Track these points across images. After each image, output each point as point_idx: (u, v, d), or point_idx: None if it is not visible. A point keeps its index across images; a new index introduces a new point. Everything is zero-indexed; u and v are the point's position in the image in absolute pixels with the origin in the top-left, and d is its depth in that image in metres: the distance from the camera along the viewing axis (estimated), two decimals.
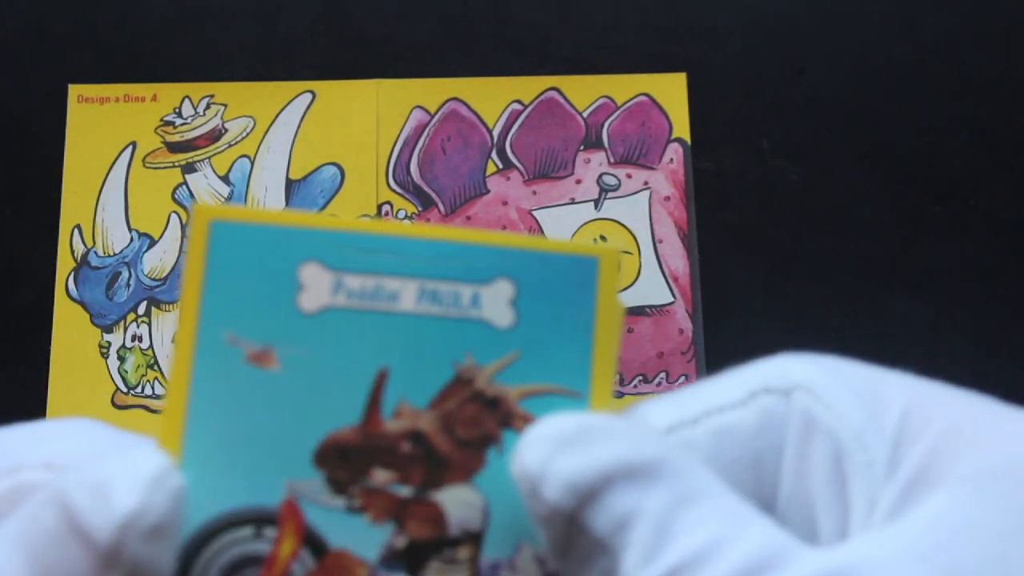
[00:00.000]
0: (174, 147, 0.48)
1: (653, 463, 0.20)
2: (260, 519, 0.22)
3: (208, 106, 0.48)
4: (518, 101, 0.48)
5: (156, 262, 0.47)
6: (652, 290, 0.47)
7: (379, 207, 0.47)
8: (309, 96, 0.49)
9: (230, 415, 0.22)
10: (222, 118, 0.48)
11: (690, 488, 0.20)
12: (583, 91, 0.49)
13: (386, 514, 0.22)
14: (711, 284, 0.47)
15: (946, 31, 0.49)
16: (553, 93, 0.48)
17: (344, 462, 0.22)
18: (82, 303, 0.46)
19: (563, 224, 0.47)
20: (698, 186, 0.48)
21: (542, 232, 0.47)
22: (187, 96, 0.49)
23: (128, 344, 0.46)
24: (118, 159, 0.48)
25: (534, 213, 0.47)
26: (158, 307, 0.47)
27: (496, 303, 0.23)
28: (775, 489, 0.22)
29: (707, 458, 0.21)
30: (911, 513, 0.19)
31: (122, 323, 0.46)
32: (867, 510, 0.20)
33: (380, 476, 0.22)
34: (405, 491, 0.22)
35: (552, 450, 0.20)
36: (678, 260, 0.47)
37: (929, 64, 0.49)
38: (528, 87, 0.49)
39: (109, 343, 0.46)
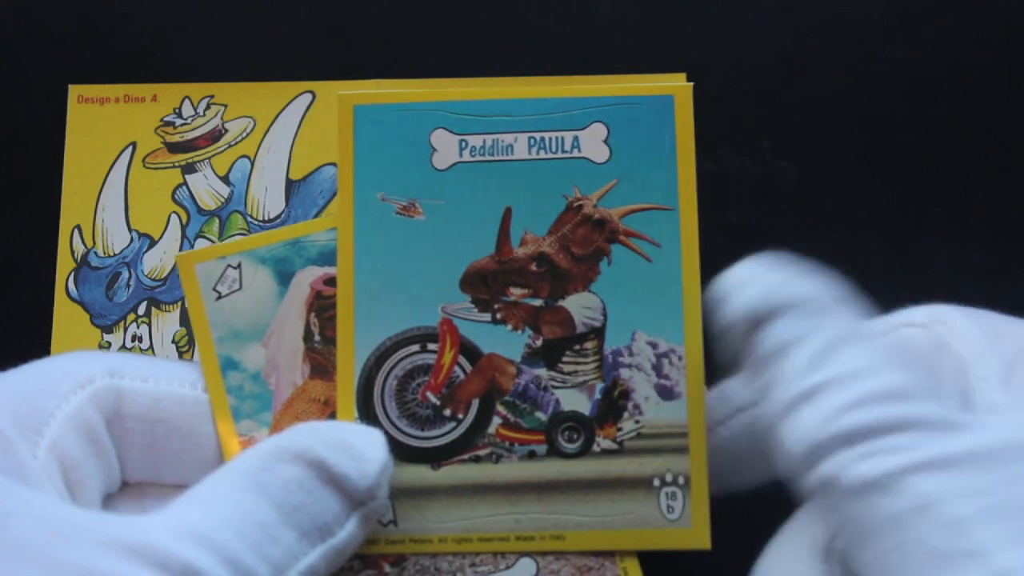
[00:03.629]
0: (174, 147, 0.48)
1: (829, 304, 0.25)
2: (424, 337, 0.27)
3: (208, 106, 0.48)
4: None
5: (156, 262, 0.47)
6: None
7: None
8: (309, 96, 0.49)
9: (390, 258, 0.27)
10: (222, 118, 0.48)
11: (851, 333, 0.24)
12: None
13: (524, 322, 0.28)
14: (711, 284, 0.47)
15: (946, 31, 0.49)
16: None
17: (485, 285, 0.28)
18: (82, 303, 0.46)
19: None
20: (698, 186, 0.48)
21: None
22: (187, 96, 0.49)
23: (128, 344, 0.46)
24: (118, 159, 0.48)
25: None
26: (158, 307, 0.47)
27: (593, 143, 0.28)
28: None
29: None
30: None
31: (122, 323, 0.46)
32: (985, 410, 0.24)
33: (516, 292, 0.28)
34: (537, 302, 0.28)
35: (753, 272, 0.25)
36: None
37: (929, 64, 0.49)
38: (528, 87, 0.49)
39: (109, 343, 0.46)
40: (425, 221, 0.28)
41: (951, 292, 0.47)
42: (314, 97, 0.49)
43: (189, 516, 0.21)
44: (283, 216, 0.47)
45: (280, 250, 0.28)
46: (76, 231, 0.47)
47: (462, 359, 0.27)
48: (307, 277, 0.28)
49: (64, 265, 0.47)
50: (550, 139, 0.28)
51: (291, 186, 0.48)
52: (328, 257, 0.28)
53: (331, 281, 0.28)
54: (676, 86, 0.29)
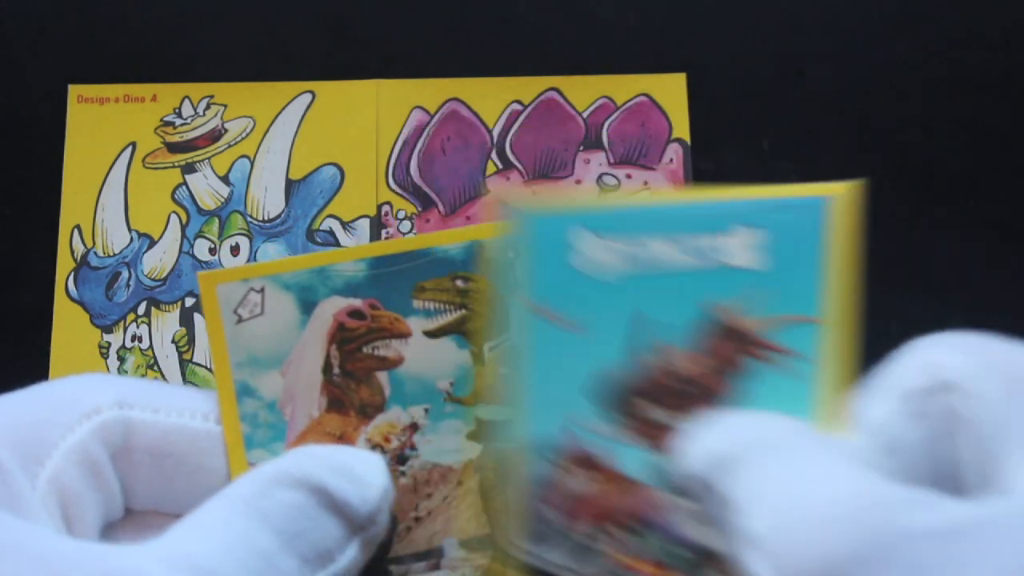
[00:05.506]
0: (174, 147, 0.48)
1: (777, 439, 0.23)
2: (550, 448, 0.26)
3: (208, 106, 0.48)
4: (518, 101, 0.48)
5: (156, 262, 0.47)
6: None
7: (379, 207, 0.47)
8: (309, 96, 0.49)
9: (523, 361, 0.26)
10: (222, 118, 0.48)
11: (802, 457, 0.22)
12: (583, 91, 0.48)
13: (654, 442, 0.26)
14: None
15: (946, 31, 0.49)
16: (553, 93, 0.48)
17: (617, 399, 0.26)
18: (82, 303, 0.46)
19: None
20: (697, 186, 0.48)
21: None
22: (187, 96, 0.49)
23: (128, 344, 0.46)
24: (118, 159, 0.48)
25: None
26: (158, 307, 0.47)
27: (738, 249, 0.26)
28: (956, 476, 0.24)
29: (888, 474, 0.23)
30: None
31: (122, 323, 0.46)
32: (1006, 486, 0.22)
33: (648, 409, 0.26)
34: (670, 420, 0.26)
35: (701, 431, 0.24)
36: None
37: (929, 64, 0.49)
38: (528, 87, 0.49)
39: (109, 343, 0.46)
40: (562, 326, 0.26)
41: (951, 292, 0.47)
42: (314, 97, 0.49)
43: (187, 546, 0.21)
44: (283, 216, 0.47)
45: (305, 277, 0.27)
46: (76, 231, 0.47)
47: (586, 474, 0.26)
48: (330, 307, 0.27)
49: (64, 265, 0.47)
50: (693, 245, 0.27)
51: (291, 186, 0.48)
52: (354, 288, 0.26)
53: (355, 313, 0.27)
54: (837, 187, 0.26)
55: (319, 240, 0.47)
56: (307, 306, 0.26)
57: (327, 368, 0.26)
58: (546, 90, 0.49)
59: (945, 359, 0.23)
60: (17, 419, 0.23)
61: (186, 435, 0.25)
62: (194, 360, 0.46)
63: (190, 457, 0.25)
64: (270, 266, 0.26)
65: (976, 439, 0.23)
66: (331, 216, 0.47)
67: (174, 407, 0.25)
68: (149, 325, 0.46)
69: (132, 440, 0.24)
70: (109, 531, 0.25)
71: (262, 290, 0.26)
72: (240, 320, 0.26)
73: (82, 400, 0.24)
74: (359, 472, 0.23)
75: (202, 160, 0.48)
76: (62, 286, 0.47)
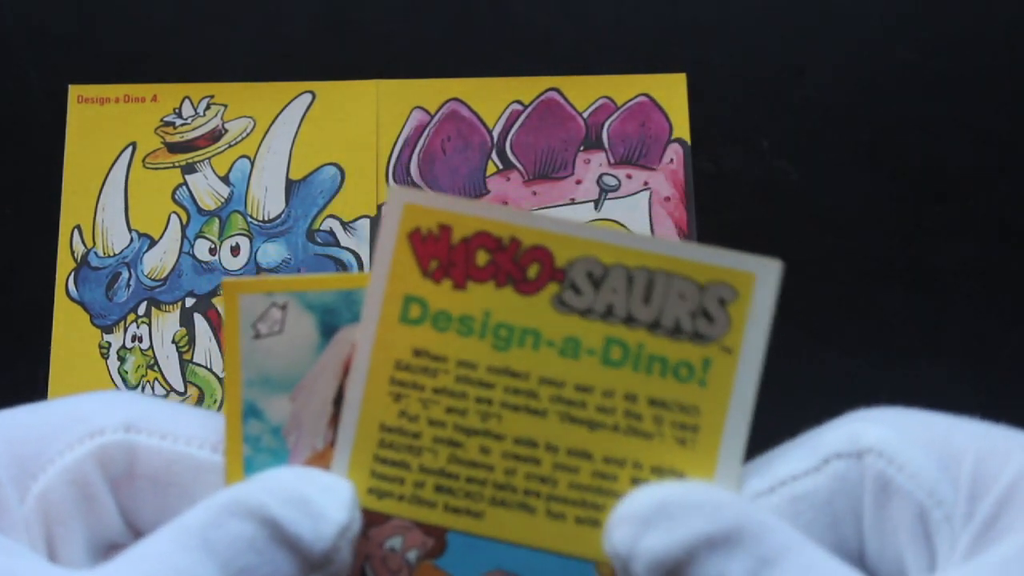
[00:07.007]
0: (174, 147, 0.48)
1: (732, 531, 0.21)
2: None
3: (208, 106, 0.48)
4: (518, 101, 0.48)
5: (156, 262, 0.47)
6: None
7: (379, 207, 0.47)
8: (309, 96, 0.49)
9: None
10: (222, 118, 0.48)
11: (770, 550, 0.21)
12: (583, 91, 0.49)
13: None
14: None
15: (946, 31, 0.49)
16: (553, 93, 0.48)
17: None
18: (82, 303, 0.46)
19: None
20: (698, 186, 0.48)
21: None
22: (187, 96, 0.49)
23: (128, 344, 0.46)
24: (118, 159, 0.48)
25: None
26: (158, 307, 0.47)
27: None
28: (860, 545, 0.23)
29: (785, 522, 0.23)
30: (983, 553, 0.20)
31: (122, 323, 0.46)
32: (950, 555, 0.21)
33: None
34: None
35: (637, 530, 0.21)
36: None
37: (929, 64, 0.49)
38: (528, 87, 0.49)
39: (109, 343, 0.46)
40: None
41: (951, 292, 0.47)
42: (314, 97, 0.49)
43: None
44: (283, 216, 0.47)
45: (330, 299, 0.25)
46: (76, 231, 0.47)
47: None
48: (351, 335, 0.25)
49: (64, 265, 0.47)
50: None
51: (291, 186, 0.48)
52: None
53: None
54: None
55: (319, 240, 0.47)
56: (328, 330, 0.24)
57: (339, 399, 0.25)
58: (546, 90, 0.49)
59: (869, 430, 0.23)
60: (18, 431, 0.23)
61: (191, 465, 0.23)
62: (194, 360, 0.46)
63: (194, 488, 0.24)
64: (297, 281, 0.24)
65: (913, 511, 0.22)
66: (331, 216, 0.47)
67: (182, 434, 0.24)
68: (149, 325, 0.46)
69: (136, 467, 0.23)
70: (113, 553, 0.24)
71: (284, 307, 0.24)
72: (258, 335, 0.24)
73: (87, 419, 0.23)
74: (319, 505, 0.22)
75: (202, 160, 0.48)
76: (62, 286, 0.46)
